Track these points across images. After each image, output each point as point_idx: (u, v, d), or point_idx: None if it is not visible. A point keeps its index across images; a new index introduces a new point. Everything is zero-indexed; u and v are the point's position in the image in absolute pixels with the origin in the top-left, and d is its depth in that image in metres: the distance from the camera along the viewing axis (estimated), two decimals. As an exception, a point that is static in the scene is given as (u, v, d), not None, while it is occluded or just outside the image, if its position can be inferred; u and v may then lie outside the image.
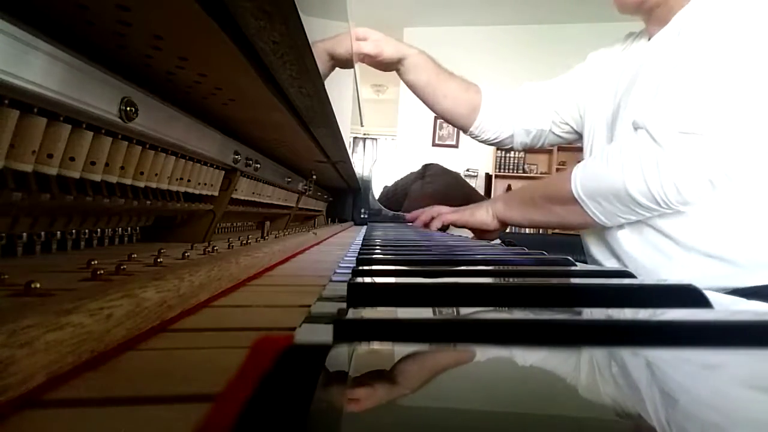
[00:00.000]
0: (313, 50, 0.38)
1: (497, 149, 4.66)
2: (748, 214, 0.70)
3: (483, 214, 0.95)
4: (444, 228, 1.18)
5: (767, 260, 0.69)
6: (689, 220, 0.71)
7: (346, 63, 0.80)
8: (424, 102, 1.04)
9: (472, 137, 1.08)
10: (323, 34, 0.72)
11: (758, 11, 0.65)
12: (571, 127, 0.99)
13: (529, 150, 4.69)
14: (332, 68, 0.77)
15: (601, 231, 0.83)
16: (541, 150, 4.66)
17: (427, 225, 1.08)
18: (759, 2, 0.66)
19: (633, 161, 0.69)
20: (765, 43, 0.64)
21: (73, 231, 0.46)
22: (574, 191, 0.75)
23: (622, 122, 0.79)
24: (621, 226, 0.78)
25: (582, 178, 0.75)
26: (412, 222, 1.13)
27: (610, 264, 0.83)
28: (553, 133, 1.01)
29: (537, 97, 1.01)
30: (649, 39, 0.81)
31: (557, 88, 1.00)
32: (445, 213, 1.04)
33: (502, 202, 0.94)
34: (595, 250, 0.87)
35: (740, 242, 0.70)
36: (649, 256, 0.76)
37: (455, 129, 4.83)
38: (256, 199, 0.88)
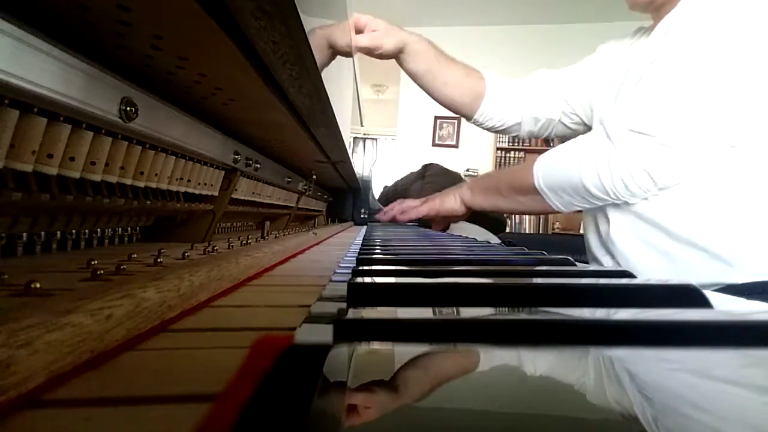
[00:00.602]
0: (310, 40, 0.38)
1: (497, 149, 4.67)
2: (735, 207, 0.70)
3: (452, 202, 0.99)
4: (444, 228, 1.18)
5: (756, 256, 0.69)
6: (680, 209, 0.72)
7: (345, 52, 0.79)
8: (425, 90, 1.02)
9: (476, 124, 1.06)
10: (323, 34, 0.72)
11: (735, 16, 0.66)
12: (580, 119, 0.98)
13: (529, 149, 4.70)
14: (332, 57, 0.76)
15: (597, 230, 0.84)
16: (542, 150, 4.63)
17: (394, 220, 1.11)
18: (738, 7, 0.67)
19: (588, 155, 0.74)
20: (734, 46, 0.65)
21: (73, 231, 0.46)
22: (536, 183, 0.80)
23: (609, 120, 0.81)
24: (614, 226, 0.79)
25: (543, 171, 0.80)
26: (383, 221, 1.17)
27: (606, 261, 0.84)
28: (562, 123, 1.00)
29: (548, 85, 0.99)
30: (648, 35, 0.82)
31: (569, 78, 0.98)
32: (414, 206, 1.06)
33: (468, 189, 0.97)
34: (595, 247, 0.88)
35: (728, 235, 0.70)
36: (641, 253, 0.77)
37: (455, 129, 4.86)
38: (256, 199, 0.88)
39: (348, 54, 0.81)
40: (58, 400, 0.16)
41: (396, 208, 1.11)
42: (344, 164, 1.26)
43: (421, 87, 1.02)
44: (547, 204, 0.81)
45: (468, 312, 0.27)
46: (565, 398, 0.16)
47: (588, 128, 0.97)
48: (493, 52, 4.32)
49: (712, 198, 0.70)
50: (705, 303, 0.29)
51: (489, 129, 1.07)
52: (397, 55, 0.96)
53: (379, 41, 0.91)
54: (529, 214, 1.16)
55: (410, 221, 1.10)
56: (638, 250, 0.77)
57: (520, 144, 4.69)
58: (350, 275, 0.37)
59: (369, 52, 0.92)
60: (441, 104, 1.05)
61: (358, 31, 0.92)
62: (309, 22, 0.38)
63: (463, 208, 0.98)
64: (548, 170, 0.79)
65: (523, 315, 0.26)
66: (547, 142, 4.62)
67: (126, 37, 0.35)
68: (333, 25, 0.71)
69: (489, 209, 0.94)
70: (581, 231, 4.21)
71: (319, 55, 0.44)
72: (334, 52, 0.76)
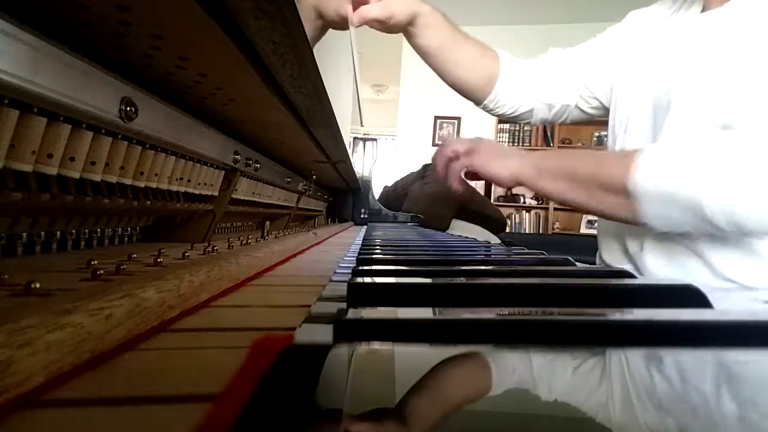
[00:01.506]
0: (300, 11, 0.36)
1: (497, 149, 4.65)
2: None
3: (504, 171, 0.72)
4: (444, 228, 1.17)
5: None
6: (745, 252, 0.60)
7: (338, 24, 0.71)
8: (435, 70, 0.89)
9: (486, 111, 0.93)
10: (312, 4, 0.70)
11: None
12: (600, 102, 0.86)
13: (529, 149, 4.68)
14: (323, 29, 0.69)
15: (626, 250, 0.72)
16: (542, 149, 4.66)
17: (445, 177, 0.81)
18: None
19: (725, 169, 0.54)
20: None
21: (73, 231, 0.46)
22: (630, 184, 0.59)
23: (678, 109, 0.67)
24: (647, 246, 0.68)
25: (647, 172, 0.58)
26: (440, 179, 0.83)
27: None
28: (579, 108, 0.87)
29: (563, 66, 0.87)
30: (703, 10, 0.69)
31: (587, 57, 0.85)
32: (457, 152, 0.75)
33: (533, 166, 0.71)
34: (615, 262, 0.77)
35: None
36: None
37: (455, 129, 4.86)
38: (256, 199, 0.88)
39: (342, 26, 0.73)
40: (58, 400, 0.16)
41: (438, 160, 0.79)
42: (344, 164, 1.26)
43: (431, 66, 0.90)
44: (636, 214, 0.60)
45: (468, 312, 0.27)
46: (564, 398, 0.16)
47: (607, 111, 0.85)
48: (493, 52, 4.32)
49: None
50: (705, 303, 0.29)
51: (499, 116, 0.94)
52: (406, 29, 0.83)
53: (390, 9, 0.78)
54: (608, 218, 0.73)
55: (410, 216, 0.99)
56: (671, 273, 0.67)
57: (521, 143, 4.69)
58: (350, 275, 0.37)
59: (380, 24, 0.79)
60: (451, 86, 0.92)
61: (362, 2, 0.78)
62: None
63: (513, 183, 0.73)
64: (655, 173, 0.58)
65: (523, 315, 0.26)
66: (547, 142, 4.63)
67: (126, 37, 0.35)
68: None
69: (551, 196, 0.71)
70: (581, 231, 4.22)
71: (307, 28, 0.38)
72: (325, 23, 0.69)
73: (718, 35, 0.65)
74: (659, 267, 0.69)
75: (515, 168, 0.71)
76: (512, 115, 0.92)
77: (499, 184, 0.75)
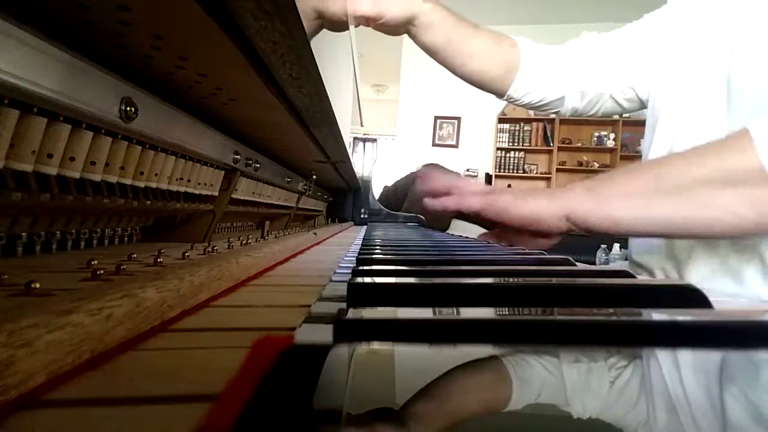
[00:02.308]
0: (299, 10, 0.35)
1: (497, 149, 4.66)
2: None
3: (543, 207, 0.56)
4: (444, 228, 1.16)
5: None
6: None
7: (338, 24, 0.68)
8: (446, 66, 0.84)
9: (510, 101, 0.87)
10: (323, 34, 0.72)
11: None
12: (636, 94, 0.78)
13: (529, 150, 4.69)
14: (320, 28, 0.68)
15: (764, 262, 0.56)
16: (542, 150, 4.66)
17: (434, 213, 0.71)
18: None
19: None
20: None
21: (73, 231, 0.46)
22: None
23: (752, 84, 0.57)
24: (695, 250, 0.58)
25: None
26: (425, 211, 0.73)
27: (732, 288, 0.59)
28: (613, 98, 0.79)
29: (598, 51, 0.79)
30: None
31: (624, 43, 0.77)
32: (469, 194, 0.62)
33: (584, 190, 0.55)
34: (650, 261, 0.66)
35: None
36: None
37: (455, 129, 4.86)
38: (256, 199, 0.88)
39: (342, 27, 0.71)
40: (58, 400, 0.16)
41: (443, 184, 0.67)
42: (344, 164, 1.26)
43: (441, 63, 0.84)
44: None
45: (468, 312, 0.27)
46: (564, 398, 0.16)
47: (642, 105, 0.78)
48: (493, 52, 4.33)
49: None
50: (705, 303, 0.29)
51: (525, 106, 0.87)
52: (407, 29, 0.78)
53: (381, 7, 0.74)
54: (720, 231, 0.47)
55: (410, 219, 0.98)
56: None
57: (521, 144, 4.69)
58: (350, 275, 0.37)
59: (370, 21, 0.75)
60: (466, 80, 0.85)
61: None
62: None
63: (563, 221, 0.56)
64: None
65: (523, 315, 0.26)
66: (547, 143, 4.63)
67: (126, 37, 0.35)
68: None
69: (630, 227, 0.53)
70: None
71: (306, 24, 0.36)
72: (323, 23, 0.68)
73: None
74: (705, 275, 0.59)
75: (561, 201, 0.55)
76: (540, 104, 0.85)
77: (541, 228, 0.58)
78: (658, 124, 0.69)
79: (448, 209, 0.63)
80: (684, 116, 0.66)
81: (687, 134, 0.64)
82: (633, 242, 0.74)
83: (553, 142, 4.58)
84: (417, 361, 0.18)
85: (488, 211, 0.60)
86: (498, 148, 4.67)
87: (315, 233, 0.95)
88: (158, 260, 0.38)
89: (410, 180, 2.38)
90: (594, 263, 0.87)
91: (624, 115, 4.05)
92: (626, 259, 0.80)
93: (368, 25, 0.76)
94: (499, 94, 0.86)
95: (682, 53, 0.68)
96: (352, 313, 0.23)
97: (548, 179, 4.62)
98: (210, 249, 0.49)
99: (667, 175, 0.50)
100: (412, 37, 0.80)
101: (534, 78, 0.82)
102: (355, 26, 0.75)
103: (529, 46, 0.82)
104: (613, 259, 3.00)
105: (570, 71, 0.81)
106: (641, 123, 0.82)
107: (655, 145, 0.70)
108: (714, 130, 0.60)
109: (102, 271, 0.30)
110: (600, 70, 0.78)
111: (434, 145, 4.74)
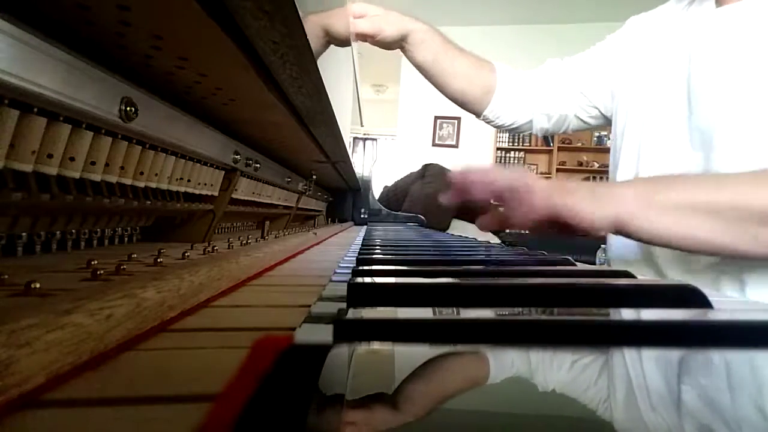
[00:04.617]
0: (305, 24, 0.36)
1: (497, 149, 4.67)
2: None
3: (589, 210, 0.51)
4: (444, 228, 1.17)
5: None
6: None
7: (342, 41, 0.74)
8: (433, 83, 0.91)
9: (487, 122, 0.94)
10: (317, 21, 0.72)
11: None
12: (599, 112, 0.85)
13: (529, 150, 4.69)
14: (327, 45, 0.72)
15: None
16: (542, 150, 4.66)
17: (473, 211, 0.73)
18: None
19: None
20: None
21: (73, 231, 0.46)
22: None
23: (704, 107, 0.62)
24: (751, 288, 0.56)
25: None
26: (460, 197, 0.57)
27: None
28: (578, 117, 0.87)
29: (560, 76, 0.87)
30: (718, 5, 0.66)
31: (585, 66, 0.85)
32: (529, 204, 0.52)
33: (636, 195, 0.52)
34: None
35: None
36: None
37: (455, 129, 4.86)
38: (256, 199, 0.88)
39: (345, 43, 0.76)
40: (58, 400, 0.16)
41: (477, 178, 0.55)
42: (344, 164, 1.26)
43: (429, 80, 0.91)
44: None
45: (468, 312, 0.27)
46: (564, 398, 0.16)
47: (608, 121, 0.84)
48: (494, 52, 4.33)
49: None
50: (705, 303, 0.29)
51: (499, 128, 0.95)
52: (401, 45, 0.86)
53: (378, 26, 0.81)
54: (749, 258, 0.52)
55: (410, 219, 0.98)
56: None
57: (521, 144, 4.70)
58: (350, 275, 0.37)
59: (368, 38, 0.83)
60: (450, 98, 0.93)
61: (358, 18, 0.83)
62: (309, 22, 0.37)
63: (610, 224, 0.52)
64: None
65: (523, 315, 0.26)
66: (547, 143, 4.64)
67: (126, 37, 0.35)
68: (328, 12, 0.69)
69: (670, 240, 0.52)
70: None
71: (313, 44, 0.39)
72: (329, 40, 0.72)
73: (738, 30, 0.62)
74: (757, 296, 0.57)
75: (611, 207, 0.52)
76: (512, 127, 0.92)
77: (584, 229, 0.52)
78: (626, 131, 0.75)
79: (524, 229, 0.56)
80: (648, 123, 0.72)
81: (652, 140, 0.71)
82: (611, 247, 0.78)
83: (553, 142, 4.58)
84: (417, 361, 0.18)
85: (546, 212, 0.52)
86: (498, 148, 4.68)
87: (315, 233, 0.95)
88: (158, 260, 0.38)
89: (410, 180, 2.38)
90: (594, 263, 0.87)
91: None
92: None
93: (366, 41, 0.84)
94: (477, 114, 0.93)
95: (643, 65, 0.74)
96: (352, 313, 0.23)
97: (548, 179, 4.62)
98: (210, 249, 0.48)
99: (709, 197, 0.51)
100: (405, 53, 0.87)
101: (506, 102, 0.89)
102: (355, 41, 0.82)
103: (505, 72, 0.90)
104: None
105: (535, 96, 0.88)
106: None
107: (623, 154, 0.76)
108: (676, 133, 0.68)
109: (102, 271, 0.30)
110: (562, 94, 0.86)
111: (434, 145, 4.74)
